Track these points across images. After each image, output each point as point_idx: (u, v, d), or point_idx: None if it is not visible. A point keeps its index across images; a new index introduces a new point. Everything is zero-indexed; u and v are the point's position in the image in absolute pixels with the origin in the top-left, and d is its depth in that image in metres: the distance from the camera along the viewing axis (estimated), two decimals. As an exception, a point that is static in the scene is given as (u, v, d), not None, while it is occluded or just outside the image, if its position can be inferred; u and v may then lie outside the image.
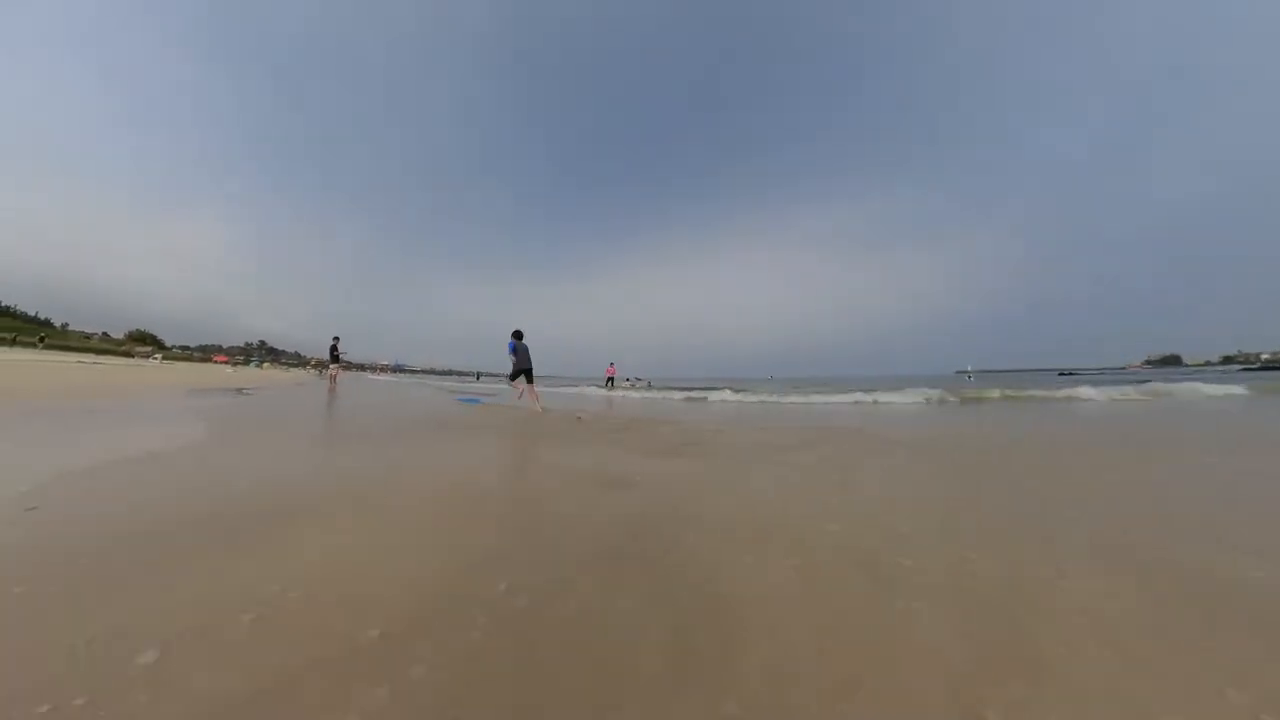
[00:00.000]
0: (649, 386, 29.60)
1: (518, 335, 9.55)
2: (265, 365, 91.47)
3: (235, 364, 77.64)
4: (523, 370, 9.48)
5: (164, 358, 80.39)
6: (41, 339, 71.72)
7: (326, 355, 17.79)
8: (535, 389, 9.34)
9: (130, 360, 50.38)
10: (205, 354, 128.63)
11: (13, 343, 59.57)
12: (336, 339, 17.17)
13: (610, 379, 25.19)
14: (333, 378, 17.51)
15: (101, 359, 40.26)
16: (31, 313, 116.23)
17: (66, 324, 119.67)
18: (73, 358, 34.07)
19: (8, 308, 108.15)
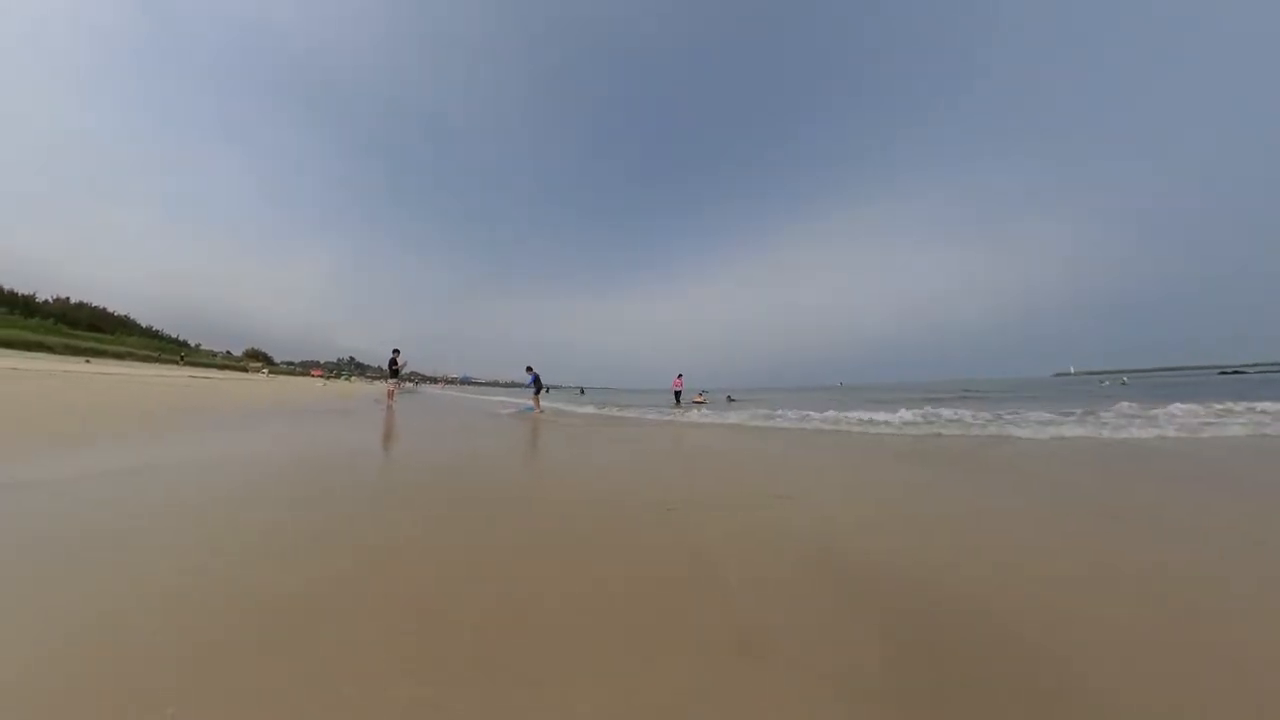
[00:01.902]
0: (729, 401, 24.57)
1: (529, 369, 16.84)
2: (353, 379, 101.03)
3: (328, 378, 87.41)
4: (536, 389, 16.79)
5: (270, 372, 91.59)
6: (182, 357, 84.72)
7: (403, 369, 16.48)
8: (540, 400, 16.77)
9: (245, 374, 57.89)
10: (304, 369, 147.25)
11: (158, 359, 70.85)
12: (396, 351, 15.86)
13: (677, 393, 21.86)
14: (390, 394, 15.53)
15: (225, 373, 46.95)
16: (173, 335, 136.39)
17: (199, 344, 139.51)
18: (212, 372, 40.02)
19: (156, 331, 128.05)
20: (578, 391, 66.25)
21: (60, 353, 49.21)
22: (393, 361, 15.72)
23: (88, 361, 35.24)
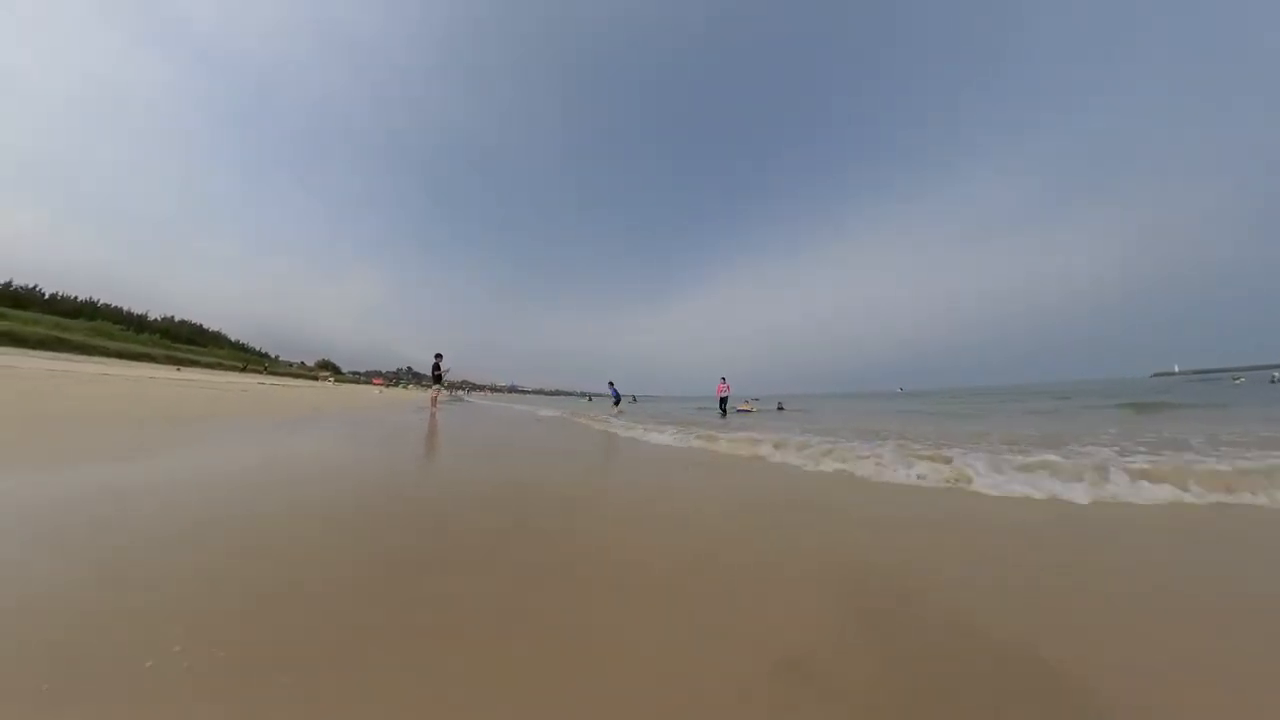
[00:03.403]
0: (780, 410, 20.86)
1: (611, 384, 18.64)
2: (409, 386, 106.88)
3: (388, 385, 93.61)
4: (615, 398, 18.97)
5: (336, 380, 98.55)
6: (265, 367, 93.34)
7: (456, 377, 16.65)
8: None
9: (315, 382, 62.34)
10: (367, 378, 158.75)
11: (244, 369, 77.85)
12: (439, 356, 15.04)
13: (723, 400, 19.62)
14: (434, 400, 14.65)
15: (297, 381, 50.60)
16: (257, 348, 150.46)
17: (279, 355, 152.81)
18: (289, 381, 43.31)
19: (242, 344, 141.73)
20: (630, 399, 65.89)
21: (161, 362, 54.95)
22: (436, 366, 14.98)
23: (178, 369, 38.94)
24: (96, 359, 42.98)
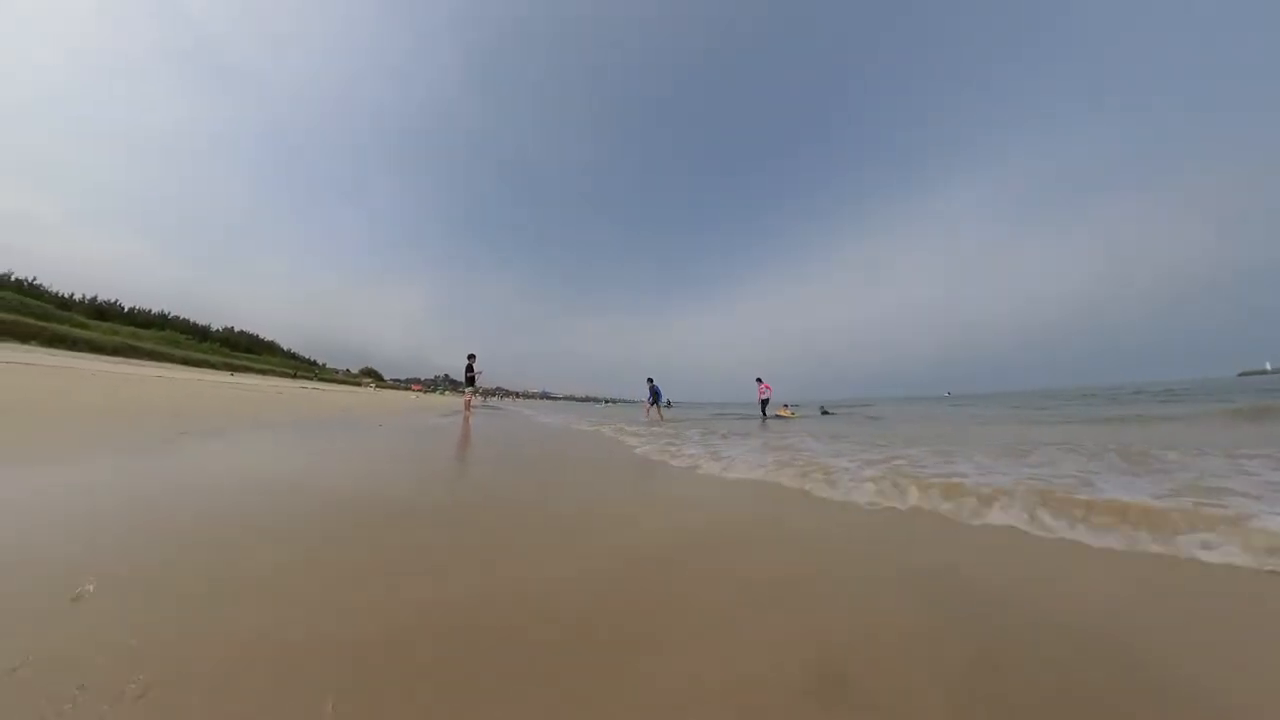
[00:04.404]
0: (824, 414, 19.21)
1: (650, 380, 17.13)
2: (445, 392, 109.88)
3: (425, 391, 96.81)
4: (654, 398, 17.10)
5: (377, 386, 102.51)
6: (314, 374, 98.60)
7: (490, 384, 15.62)
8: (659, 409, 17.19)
9: (357, 388, 64.74)
10: (406, 384, 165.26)
11: (295, 376, 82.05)
12: (471, 357, 14.11)
13: (764, 403, 18.22)
14: (467, 404, 14.05)
15: (341, 387, 52.67)
16: (307, 356, 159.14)
17: (325, 363, 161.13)
18: (330, 386, 45.09)
19: (292, 352, 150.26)
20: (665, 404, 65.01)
21: (219, 368, 58.56)
22: (469, 369, 14.17)
23: (232, 374, 41.14)
24: (163, 364, 46.33)
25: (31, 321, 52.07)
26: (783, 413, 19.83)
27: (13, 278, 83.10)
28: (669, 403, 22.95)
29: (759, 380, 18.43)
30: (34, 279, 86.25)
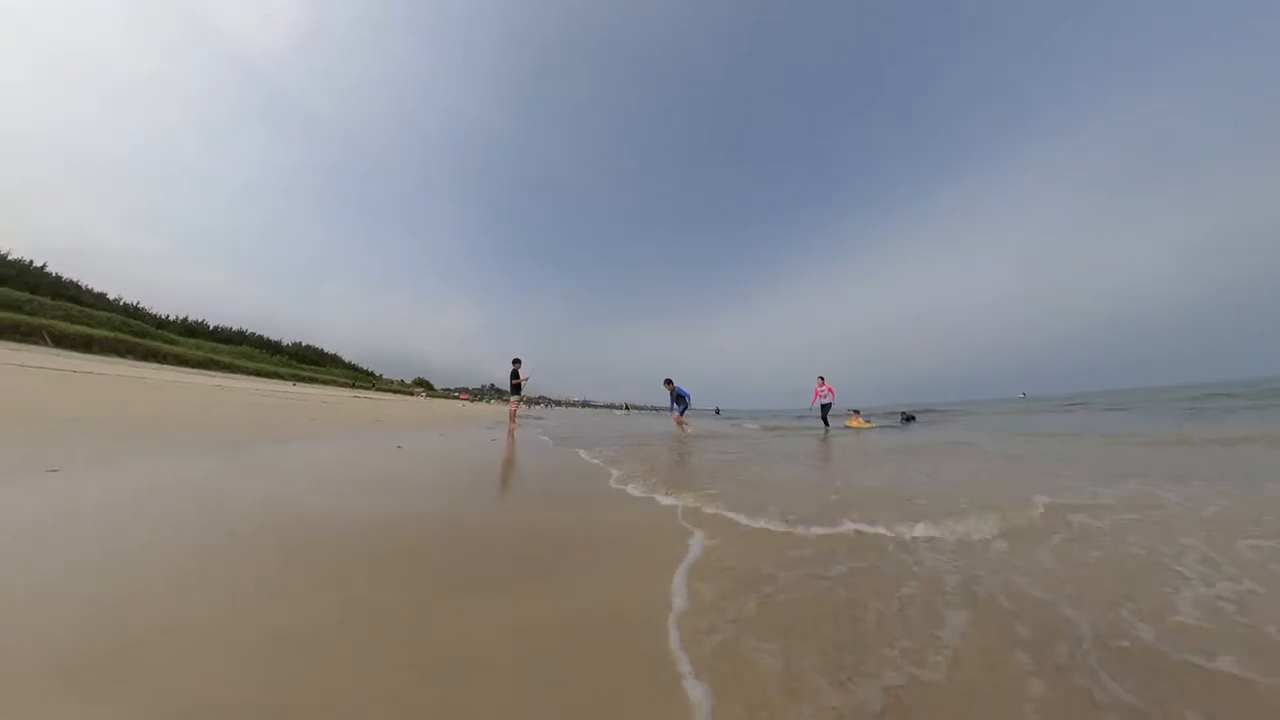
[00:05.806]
0: (906, 422, 16.21)
1: (668, 383, 13.57)
2: (491, 401, 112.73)
3: (471, 400, 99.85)
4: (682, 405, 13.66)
5: (427, 395, 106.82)
6: (372, 385, 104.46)
7: (534, 393, 14.05)
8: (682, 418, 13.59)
9: (410, 397, 67.33)
10: (455, 393, 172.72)
11: (353, 385, 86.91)
12: (517, 362, 12.89)
13: (825, 408, 15.41)
14: (512, 415, 12.41)
15: (394, 396, 54.80)
16: (366, 368, 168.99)
17: (383, 374, 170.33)
18: (383, 395, 46.92)
19: (354, 365, 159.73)
20: (713, 413, 62.99)
21: (286, 379, 62.69)
22: (514, 374, 12.86)
23: (294, 384, 43.57)
24: (238, 375, 50.12)
25: (130, 338, 58.04)
26: (853, 423, 16.02)
27: (121, 301, 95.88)
28: (716, 411, 20.44)
29: (820, 380, 15.12)
30: (138, 302, 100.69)
